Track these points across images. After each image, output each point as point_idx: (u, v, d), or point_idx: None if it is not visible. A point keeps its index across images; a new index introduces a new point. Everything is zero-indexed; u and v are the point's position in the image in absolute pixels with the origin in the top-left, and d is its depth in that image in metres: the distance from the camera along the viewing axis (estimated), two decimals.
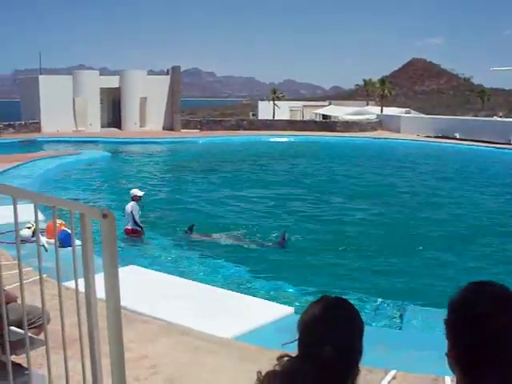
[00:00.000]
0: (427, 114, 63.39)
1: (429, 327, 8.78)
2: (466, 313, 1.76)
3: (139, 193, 15.16)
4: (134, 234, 14.80)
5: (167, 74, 49.62)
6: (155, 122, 47.35)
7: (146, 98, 46.52)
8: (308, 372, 2.01)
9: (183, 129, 46.99)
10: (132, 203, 14.87)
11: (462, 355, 1.75)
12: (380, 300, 10.46)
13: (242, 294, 9.47)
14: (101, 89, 45.68)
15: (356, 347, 2.08)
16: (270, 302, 9.11)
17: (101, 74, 48.98)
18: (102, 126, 45.98)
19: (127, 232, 14.73)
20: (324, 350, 2.00)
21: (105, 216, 2.30)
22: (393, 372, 6.41)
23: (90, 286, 2.48)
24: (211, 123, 49.88)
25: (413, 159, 35.30)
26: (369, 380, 6.31)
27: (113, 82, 47.12)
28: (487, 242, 15.21)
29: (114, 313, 2.37)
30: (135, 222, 14.76)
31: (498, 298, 1.75)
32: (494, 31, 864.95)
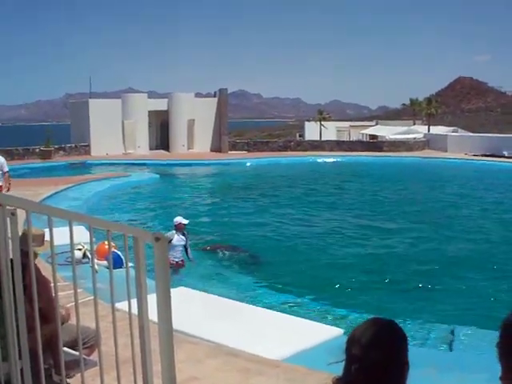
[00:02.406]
0: (475, 133, 62.57)
1: (479, 349, 8.64)
2: None
3: (184, 221, 14.08)
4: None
5: (214, 96, 50.13)
6: (203, 144, 47.77)
7: (193, 120, 46.98)
8: None
9: (231, 150, 47.22)
10: (174, 232, 13.88)
11: None
12: (430, 322, 10.34)
13: (291, 316, 9.46)
14: (149, 111, 46.28)
15: (396, 370, 2.09)
16: (319, 324, 9.08)
17: (149, 97, 49.70)
18: (150, 149, 46.52)
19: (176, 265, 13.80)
20: (361, 370, 2.04)
21: (157, 239, 2.34)
22: None
23: (143, 308, 2.53)
24: (258, 144, 50.07)
25: (459, 178, 34.86)
26: None
27: (161, 104, 47.75)
28: None
29: (167, 334, 2.40)
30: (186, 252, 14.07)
31: None
32: None
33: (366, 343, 2.08)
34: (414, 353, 7.51)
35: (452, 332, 9.84)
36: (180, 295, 9.76)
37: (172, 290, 2.40)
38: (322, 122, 60.68)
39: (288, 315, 9.47)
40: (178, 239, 13.87)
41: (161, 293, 2.34)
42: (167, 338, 2.42)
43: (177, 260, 13.90)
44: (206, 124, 47.56)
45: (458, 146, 47.67)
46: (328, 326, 8.89)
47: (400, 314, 10.52)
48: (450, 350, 9.20)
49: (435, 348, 9.24)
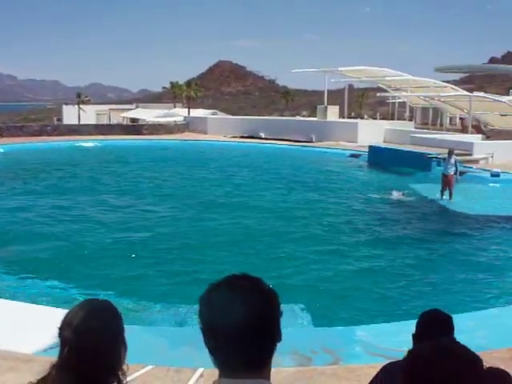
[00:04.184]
0: (234, 115, 65.15)
1: None
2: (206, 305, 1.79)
3: None
4: None
5: None
6: None
7: None
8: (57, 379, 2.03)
9: None
10: None
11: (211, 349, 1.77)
12: (172, 300, 10.45)
13: (47, 307, 9.11)
14: None
15: (107, 351, 2.08)
16: None
17: None
18: None
19: None
20: (73, 352, 2.02)
21: None
22: (200, 370, 6.48)
23: None
24: (12, 129, 47.31)
25: (212, 159, 36.18)
26: (176, 380, 6.34)
27: None
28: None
29: None
30: None
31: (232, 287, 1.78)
32: (294, 34, 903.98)
33: (77, 325, 2.06)
34: (172, 332, 7.51)
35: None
36: None
37: None
38: (81, 106, 59.40)
39: (42, 306, 9.13)
40: None
41: None
42: None
43: None
44: None
45: (217, 128, 49.43)
46: None
47: (154, 295, 10.66)
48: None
49: (190, 325, 9.39)
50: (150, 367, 6.52)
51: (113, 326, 2.13)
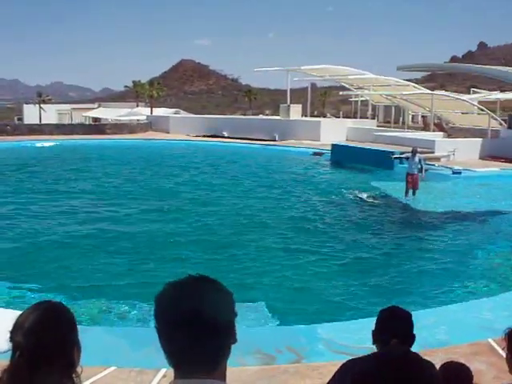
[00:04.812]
0: (197, 114, 64.98)
1: None
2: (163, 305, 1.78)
3: None
4: None
5: None
6: None
7: None
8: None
9: None
10: None
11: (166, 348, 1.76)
12: (134, 301, 10.33)
13: (7, 309, 8.95)
14: None
15: (60, 354, 2.05)
16: None
17: None
18: None
19: None
20: (24, 356, 1.98)
21: None
22: (163, 370, 6.43)
23: None
24: None
25: (174, 158, 35.95)
26: (139, 382, 6.30)
27: None
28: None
29: None
30: None
31: (180, 287, 1.78)
32: (257, 33, 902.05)
33: (29, 328, 2.01)
34: (135, 333, 7.43)
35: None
36: None
37: None
38: (42, 105, 58.69)
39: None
40: None
41: None
42: None
43: None
44: None
45: (180, 127, 49.27)
46: None
47: (116, 295, 10.53)
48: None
49: (151, 326, 9.28)
50: (112, 368, 6.46)
51: (65, 328, 2.09)
